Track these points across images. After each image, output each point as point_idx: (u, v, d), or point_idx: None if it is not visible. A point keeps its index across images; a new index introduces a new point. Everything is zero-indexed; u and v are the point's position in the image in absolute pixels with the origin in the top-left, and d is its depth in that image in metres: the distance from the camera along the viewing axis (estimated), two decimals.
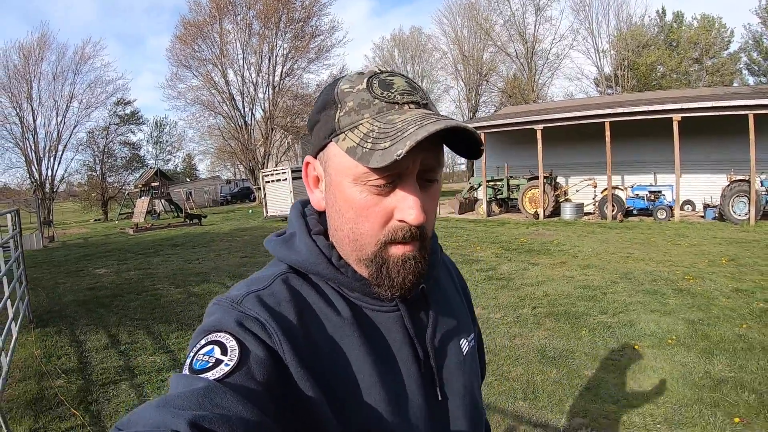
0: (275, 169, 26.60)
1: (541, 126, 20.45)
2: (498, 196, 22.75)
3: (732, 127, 18.35)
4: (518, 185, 21.74)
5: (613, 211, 19.01)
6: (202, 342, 0.75)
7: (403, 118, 0.77)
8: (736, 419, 4.05)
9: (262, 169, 36.12)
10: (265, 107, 44.34)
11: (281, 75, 44.27)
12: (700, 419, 4.08)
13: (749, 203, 16.33)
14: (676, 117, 18.10)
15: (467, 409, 0.98)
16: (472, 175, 27.62)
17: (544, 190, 20.03)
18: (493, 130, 23.06)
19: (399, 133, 0.74)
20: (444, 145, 0.86)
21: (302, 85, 46.46)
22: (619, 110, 19.58)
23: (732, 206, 16.80)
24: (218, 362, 0.71)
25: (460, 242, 14.35)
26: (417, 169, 0.81)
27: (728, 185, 17.25)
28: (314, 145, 0.90)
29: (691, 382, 4.70)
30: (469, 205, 23.57)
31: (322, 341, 0.83)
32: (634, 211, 19.98)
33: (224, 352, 0.72)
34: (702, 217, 18.88)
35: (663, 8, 53.44)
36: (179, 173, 66.23)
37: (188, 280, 10.67)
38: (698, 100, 19.39)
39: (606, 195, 19.30)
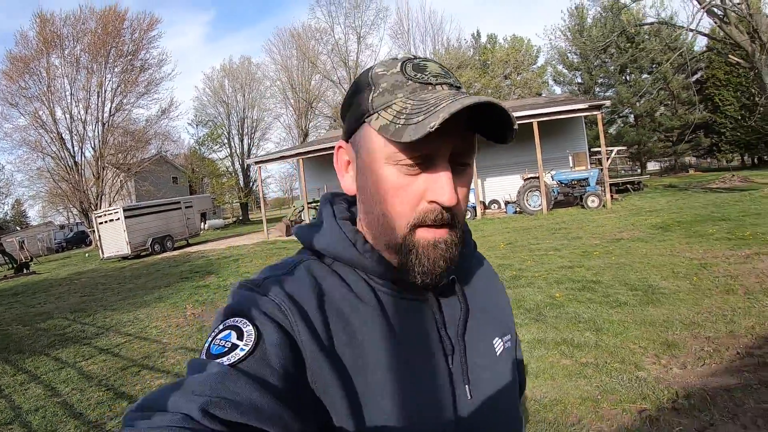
0: (107, 209, 26.46)
1: None
2: None
3: (522, 134, 21.54)
4: None
5: None
6: (220, 327, 0.76)
7: (437, 95, 0.76)
8: None
9: (96, 210, 35.04)
10: (95, 145, 42.58)
11: (110, 111, 42.87)
12: None
13: (541, 196, 20.25)
14: None
15: (499, 414, 0.93)
16: (297, 199, 29.43)
17: None
18: (311, 155, 24.93)
19: (432, 107, 0.73)
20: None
21: (132, 120, 45.39)
22: None
23: (527, 200, 20.79)
24: (234, 347, 0.71)
25: (279, 260, 15.74)
26: (449, 152, 0.80)
27: (523, 183, 21.22)
28: (346, 130, 0.90)
29: None
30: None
31: (343, 328, 0.81)
32: None
33: (240, 336, 0.73)
34: (505, 212, 22.72)
35: (478, 31, 59.45)
36: (9, 221, 62.15)
37: (34, 320, 11.22)
38: None
39: None
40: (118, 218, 24.53)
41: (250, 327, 0.74)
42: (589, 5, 42.33)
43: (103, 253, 25.28)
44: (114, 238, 24.86)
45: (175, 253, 24.13)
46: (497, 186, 25.79)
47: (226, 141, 57.98)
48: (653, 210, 17.32)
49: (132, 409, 0.63)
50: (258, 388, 0.66)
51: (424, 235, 0.81)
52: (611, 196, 21.57)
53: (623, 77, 49.65)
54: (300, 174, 24.81)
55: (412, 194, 0.80)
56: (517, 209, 21.41)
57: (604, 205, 20.26)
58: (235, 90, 58.33)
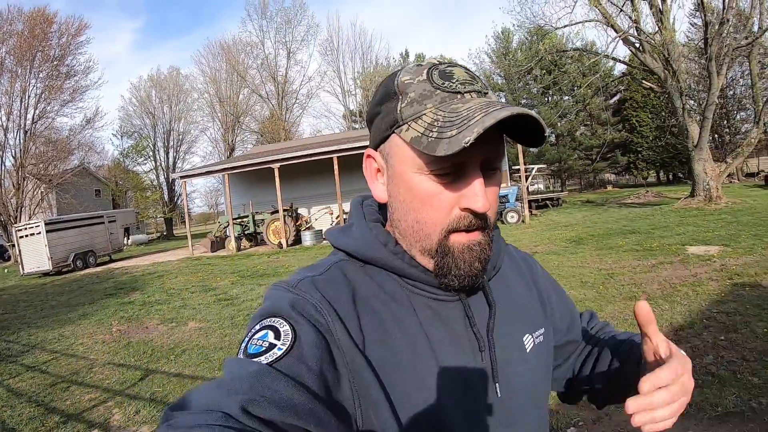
0: (28, 222, 25.22)
1: (277, 165, 22.69)
2: (246, 232, 24.32)
3: None
4: (263, 219, 23.59)
5: None
6: (257, 327, 0.78)
7: (468, 107, 0.77)
8: None
9: (15, 223, 33.31)
10: (15, 154, 40.04)
11: (33, 118, 40.59)
12: None
13: None
14: None
15: (528, 410, 0.95)
16: (223, 215, 28.94)
17: (284, 222, 22.16)
18: (236, 171, 24.83)
19: (465, 121, 0.73)
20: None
21: (55, 129, 43.23)
22: (344, 146, 22.63)
23: None
24: (271, 346, 0.73)
25: (204, 276, 15.80)
26: (481, 159, 0.81)
27: None
28: (374, 138, 0.91)
29: None
30: (220, 243, 24.75)
31: (377, 327, 0.84)
32: None
33: (278, 336, 0.74)
34: None
35: (406, 50, 60.74)
36: None
37: None
38: None
39: (339, 220, 22.12)
40: (39, 232, 23.51)
41: (287, 327, 0.76)
42: (515, 30, 43.92)
43: (23, 268, 24.11)
44: (35, 252, 23.78)
45: (98, 269, 23.27)
46: None
47: (151, 154, 56.14)
48: (569, 224, 18.12)
49: (171, 407, 0.64)
50: (296, 387, 0.68)
51: (458, 239, 0.84)
52: (530, 211, 22.53)
53: (546, 98, 51.79)
54: (226, 189, 24.56)
55: (445, 202, 0.82)
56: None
57: (523, 221, 20.99)
58: (162, 101, 56.68)
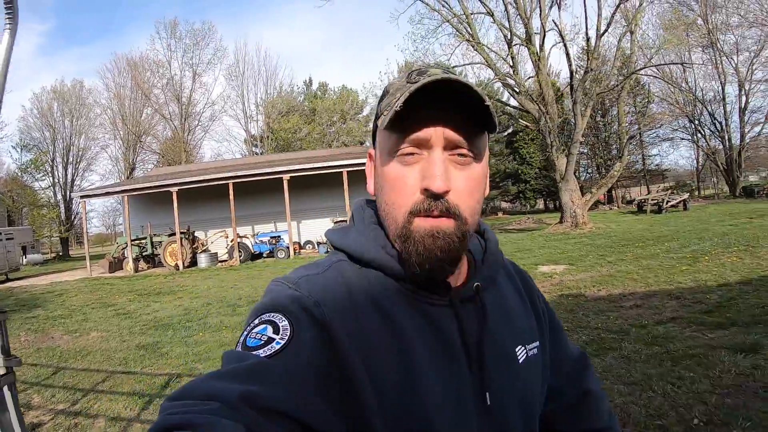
0: None
1: (176, 188, 23.81)
2: (144, 254, 24.98)
3: (333, 180, 24.39)
4: (160, 242, 24.44)
5: (240, 256, 23.35)
6: (256, 321, 0.79)
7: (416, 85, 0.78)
8: None
9: None
10: None
11: None
12: None
13: None
14: (286, 177, 23.57)
15: (518, 422, 0.94)
16: (121, 236, 29.27)
17: (181, 244, 23.17)
18: (135, 193, 25.56)
19: (401, 93, 0.79)
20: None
21: None
22: (240, 173, 24.12)
23: None
24: (270, 340, 0.74)
25: (103, 294, 16.75)
26: (443, 142, 0.82)
27: (332, 226, 23.73)
28: (373, 137, 0.97)
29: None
30: (118, 264, 25.24)
31: (372, 328, 0.83)
32: (264, 255, 24.77)
33: (276, 330, 0.75)
34: (318, 252, 24.92)
35: (310, 78, 62.60)
36: None
37: None
38: (303, 162, 25.71)
39: (234, 243, 23.47)
40: None
41: (286, 322, 0.77)
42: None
43: None
44: None
45: None
46: (310, 228, 28.02)
47: (49, 169, 53.88)
48: None
49: (169, 398, 0.65)
50: (293, 380, 0.69)
51: (420, 224, 0.83)
52: None
53: None
54: (125, 211, 25.14)
55: (409, 184, 0.84)
56: (329, 249, 23.17)
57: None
58: (63, 114, 54.49)
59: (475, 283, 0.94)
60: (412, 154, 0.83)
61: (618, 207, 42.46)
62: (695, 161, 49.59)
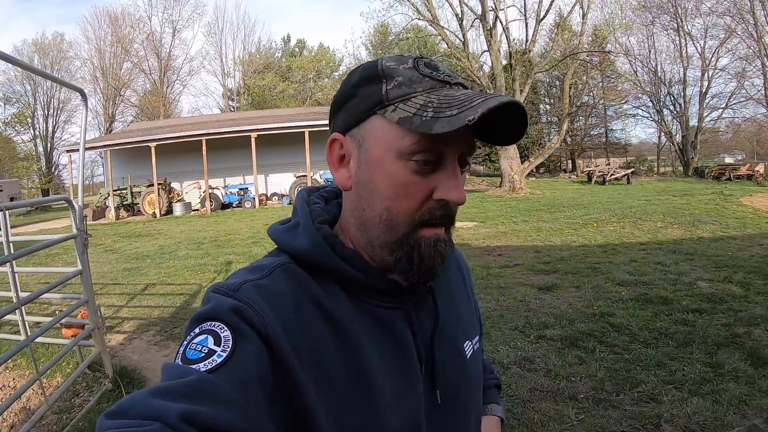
0: None
1: (154, 143, 25.97)
2: (124, 203, 26.89)
3: (297, 139, 26.59)
4: (140, 192, 26.55)
5: (212, 205, 25.74)
6: (197, 330, 0.73)
7: (463, 93, 0.76)
8: None
9: None
10: None
11: None
12: None
13: None
14: (254, 135, 25.95)
15: (468, 416, 0.96)
16: (104, 187, 30.85)
17: (159, 194, 25.38)
18: (117, 147, 27.53)
19: (466, 103, 0.72)
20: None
21: None
22: (213, 130, 26.35)
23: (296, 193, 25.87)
24: (211, 352, 0.69)
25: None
26: (459, 153, 0.80)
27: (294, 180, 26.45)
28: (345, 121, 0.86)
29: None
30: (101, 212, 26.99)
31: (320, 335, 0.80)
32: (233, 204, 27.05)
33: (218, 342, 0.70)
34: (281, 204, 27.27)
35: (288, 35, 63.19)
36: None
37: None
38: (270, 121, 28.15)
39: (205, 194, 25.91)
40: None
41: (228, 332, 0.72)
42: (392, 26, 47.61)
43: None
44: None
45: None
46: (275, 181, 30.35)
47: (30, 122, 54.03)
48: None
49: (106, 414, 0.60)
50: (236, 396, 0.65)
51: (425, 234, 0.81)
52: None
53: None
54: (108, 164, 26.77)
55: (421, 191, 0.79)
56: (291, 201, 25.60)
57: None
58: (44, 67, 52.92)
59: (428, 283, 0.92)
60: (429, 162, 0.79)
61: (577, 176, 44.03)
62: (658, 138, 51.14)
